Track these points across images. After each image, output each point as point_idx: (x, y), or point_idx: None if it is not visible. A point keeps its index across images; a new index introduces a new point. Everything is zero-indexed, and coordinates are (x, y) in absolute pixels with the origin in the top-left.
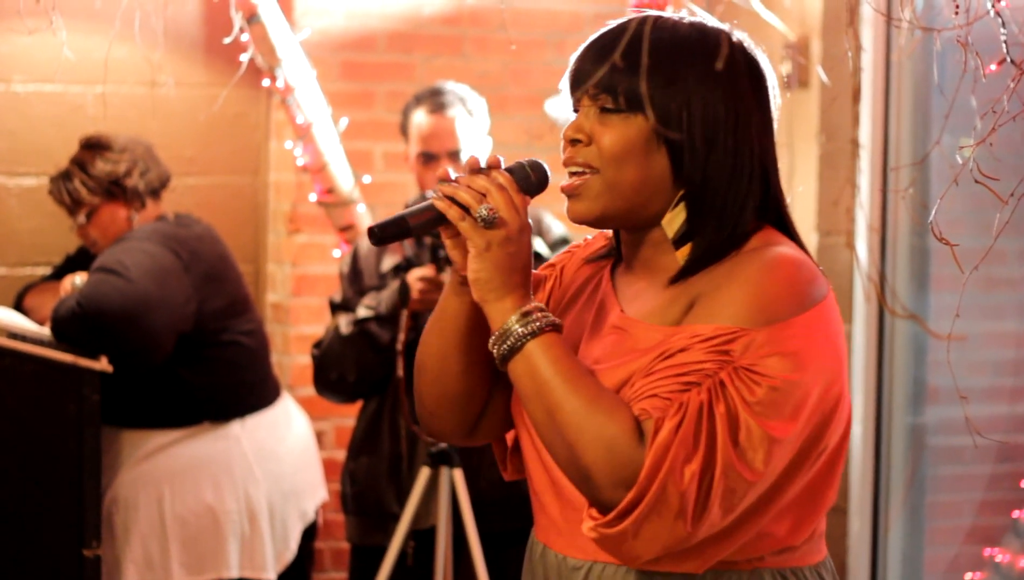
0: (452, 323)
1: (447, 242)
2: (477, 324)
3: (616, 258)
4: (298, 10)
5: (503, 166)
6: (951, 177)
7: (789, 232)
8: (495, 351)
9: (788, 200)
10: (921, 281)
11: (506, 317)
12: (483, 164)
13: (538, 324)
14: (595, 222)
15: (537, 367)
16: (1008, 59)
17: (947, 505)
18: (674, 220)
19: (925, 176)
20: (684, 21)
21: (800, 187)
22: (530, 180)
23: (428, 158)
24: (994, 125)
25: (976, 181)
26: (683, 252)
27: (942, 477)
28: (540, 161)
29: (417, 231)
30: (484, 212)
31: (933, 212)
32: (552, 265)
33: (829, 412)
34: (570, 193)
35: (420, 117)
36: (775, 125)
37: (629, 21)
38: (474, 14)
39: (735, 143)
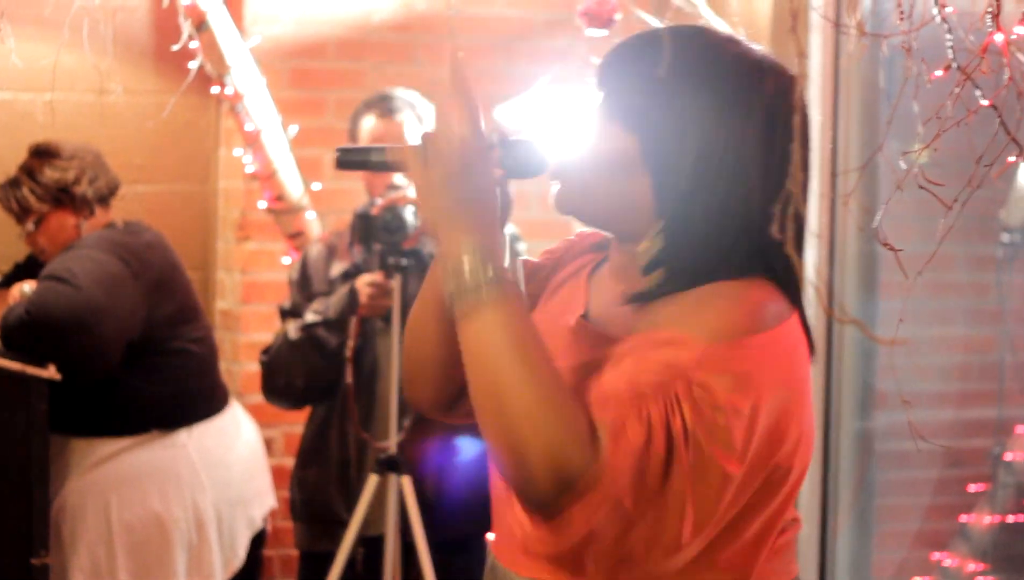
0: (434, 293)
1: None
2: None
3: (605, 254)
4: (248, 17)
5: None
6: (897, 183)
7: (789, 288)
8: (447, 289)
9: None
10: (869, 287)
11: (460, 251)
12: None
13: (495, 274)
14: (573, 215)
15: (490, 330)
16: (954, 65)
17: (895, 509)
18: (650, 249)
19: (873, 182)
20: (732, 43)
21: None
22: (518, 161)
23: None
24: (939, 131)
25: (921, 187)
26: (651, 278)
27: (890, 482)
28: (538, 145)
29: (380, 166)
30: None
31: (878, 217)
32: (552, 252)
33: (776, 442)
34: (554, 176)
35: (369, 122)
36: (806, 165)
37: (677, 28)
38: (424, 21)
39: (726, 189)
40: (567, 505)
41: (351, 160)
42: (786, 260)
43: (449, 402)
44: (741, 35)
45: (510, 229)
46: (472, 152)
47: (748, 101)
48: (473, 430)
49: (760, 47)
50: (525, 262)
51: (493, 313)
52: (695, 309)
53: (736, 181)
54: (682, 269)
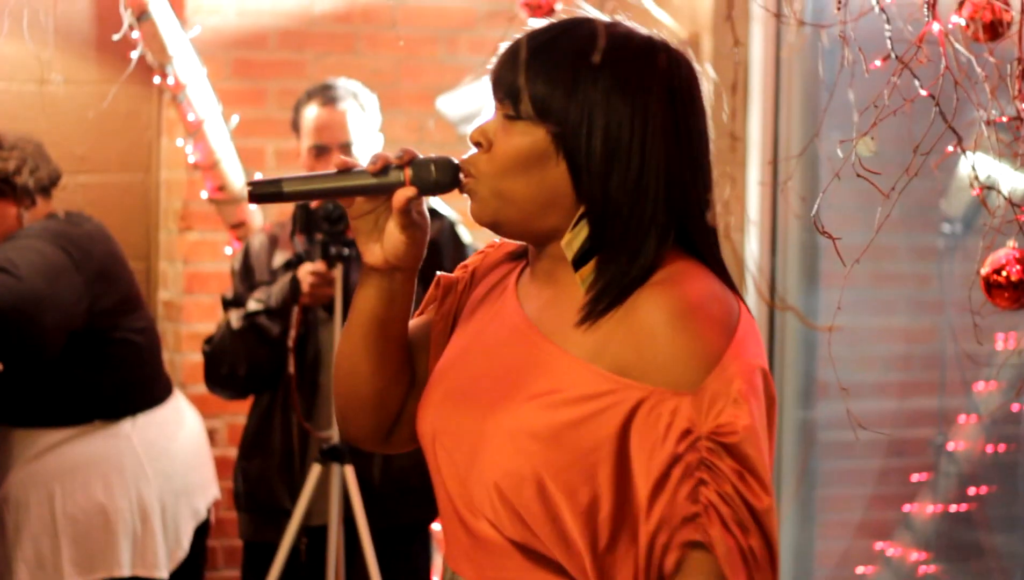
0: (359, 318)
1: (354, 223)
2: (383, 321)
3: (525, 261)
4: (189, 7)
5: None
6: (834, 173)
7: (707, 256)
8: None
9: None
10: (811, 277)
11: None
12: (392, 159)
13: None
14: (491, 226)
15: None
16: (892, 55)
17: (838, 499)
18: (574, 240)
19: (814, 172)
20: (623, 27)
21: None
22: (430, 178)
23: (320, 151)
24: (875, 119)
25: (858, 175)
26: (583, 272)
27: (833, 471)
28: (452, 161)
29: (296, 197)
30: None
31: (815, 206)
32: (465, 266)
33: (771, 417)
34: (465, 191)
35: (312, 111)
36: (707, 145)
37: (564, 22)
38: (365, 11)
39: (640, 163)
40: None
41: (263, 193)
42: (705, 229)
43: (386, 434)
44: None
45: (453, 215)
46: None
47: (645, 76)
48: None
49: (646, 29)
50: (441, 277)
51: None
52: (664, 355)
53: (648, 153)
54: (612, 252)
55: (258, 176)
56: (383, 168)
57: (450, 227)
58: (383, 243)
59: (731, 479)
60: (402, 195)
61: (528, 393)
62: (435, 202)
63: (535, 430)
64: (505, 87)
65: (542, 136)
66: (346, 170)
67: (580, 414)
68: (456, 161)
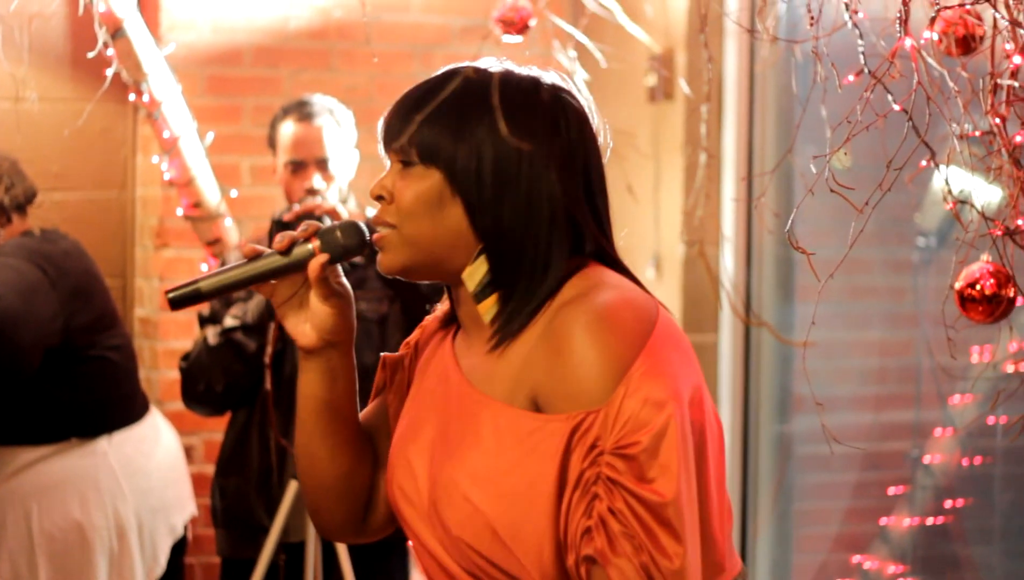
0: (306, 405)
1: (279, 311)
2: (330, 402)
3: (456, 323)
4: (164, 24)
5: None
6: (811, 186)
7: (609, 261)
8: None
9: (654, 225)
10: (786, 291)
11: None
12: (297, 235)
13: None
14: (402, 273)
15: None
16: (865, 70)
17: (815, 513)
18: (475, 273)
19: (788, 186)
20: (506, 70)
21: (668, 183)
22: (339, 243)
23: (296, 166)
24: (849, 134)
25: (832, 190)
26: (485, 305)
27: (810, 485)
28: (356, 223)
29: (215, 293)
30: None
31: (789, 221)
32: (407, 343)
33: (701, 424)
34: (376, 244)
35: (288, 127)
36: (597, 163)
37: (442, 74)
38: (340, 28)
39: (528, 189)
40: None
41: (183, 296)
42: (606, 240)
43: (359, 520)
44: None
45: None
46: None
47: (529, 110)
48: None
49: (527, 68)
50: (386, 357)
51: None
52: (574, 375)
53: (536, 176)
54: (513, 279)
55: (233, 193)
56: (290, 246)
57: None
58: (311, 321)
59: (625, 492)
60: (315, 264)
61: (466, 445)
62: None
63: (475, 479)
64: (396, 137)
65: (436, 178)
66: (256, 257)
67: (511, 457)
68: (359, 222)
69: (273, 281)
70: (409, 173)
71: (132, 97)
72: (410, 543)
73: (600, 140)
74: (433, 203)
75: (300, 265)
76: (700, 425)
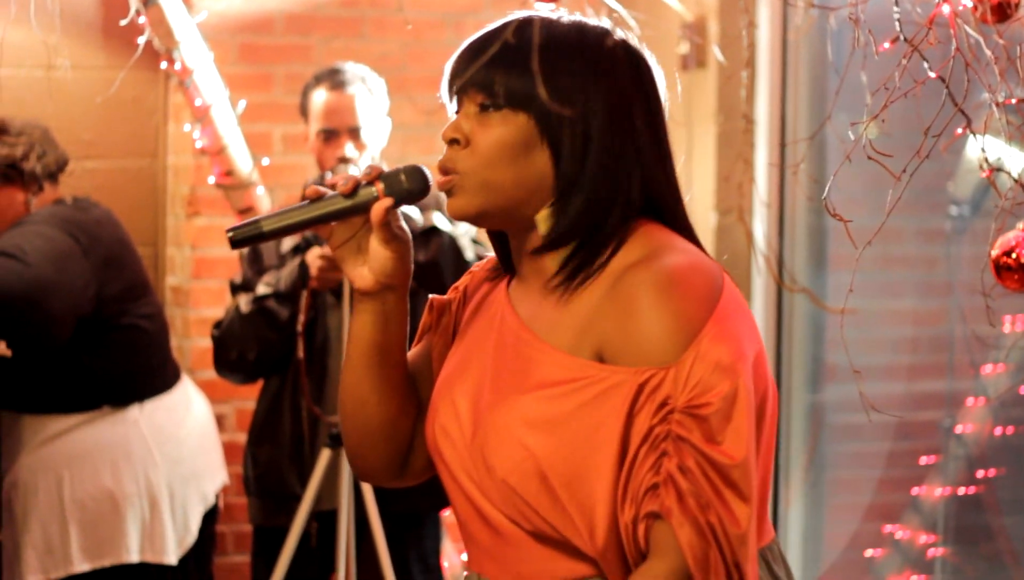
0: (358, 346)
1: (337, 253)
2: (383, 345)
3: (510, 271)
4: None
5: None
6: (845, 155)
7: (676, 224)
8: None
9: (686, 194)
10: (819, 260)
11: None
12: (361, 178)
13: None
14: (474, 219)
15: None
16: (901, 37)
17: (847, 482)
18: (548, 219)
19: (822, 154)
20: (563, 20)
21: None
22: (402, 187)
23: (329, 135)
24: (886, 102)
25: (869, 158)
26: (556, 254)
27: (842, 454)
28: (419, 167)
29: (277, 233)
30: None
31: (827, 189)
32: (456, 288)
33: (763, 391)
34: (445, 190)
35: (320, 95)
36: (665, 119)
37: (507, 22)
38: None
39: (611, 139)
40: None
41: (245, 236)
42: (677, 201)
43: (400, 464)
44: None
45: (459, 229)
46: None
47: (610, 61)
48: None
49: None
50: (434, 300)
51: None
52: (645, 332)
53: (619, 133)
54: (581, 228)
55: (265, 161)
56: (354, 188)
57: (451, 243)
58: (370, 264)
59: (696, 452)
60: (380, 207)
61: (521, 389)
62: (436, 219)
63: (531, 424)
64: (476, 81)
65: (524, 123)
66: (318, 198)
67: (570, 405)
68: (423, 167)
69: (333, 223)
70: (489, 117)
71: (164, 65)
72: (445, 512)
73: (664, 97)
74: (519, 149)
75: (363, 208)
76: (762, 391)
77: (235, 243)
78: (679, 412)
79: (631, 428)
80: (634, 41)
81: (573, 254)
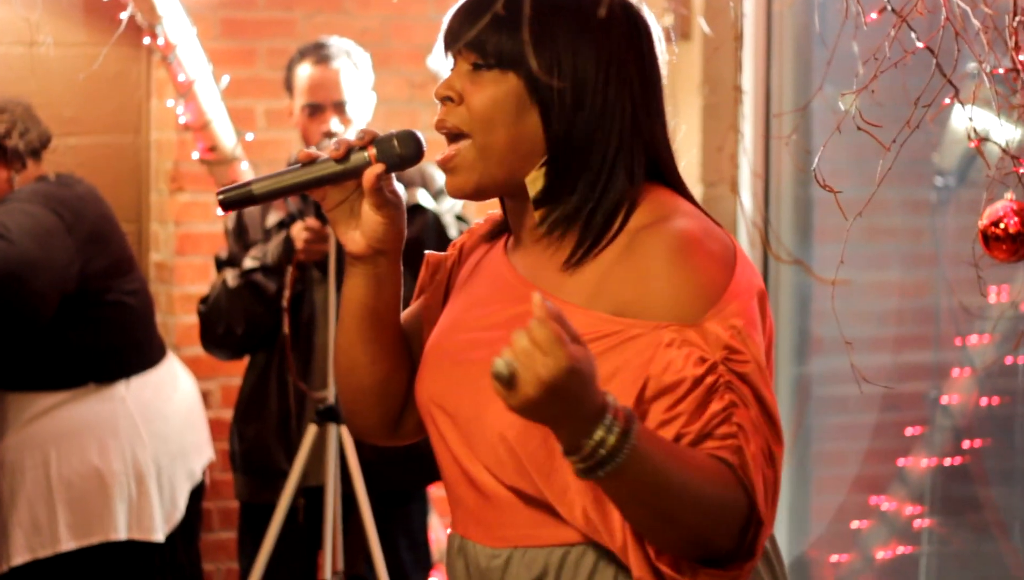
0: (350, 309)
1: (330, 216)
2: (375, 309)
3: (508, 233)
4: None
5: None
6: (833, 126)
7: (678, 188)
8: (579, 469)
9: (678, 158)
10: (805, 231)
11: (586, 435)
12: (354, 142)
13: (622, 424)
14: (474, 194)
15: (645, 472)
16: (889, 7)
17: (833, 454)
18: (537, 180)
19: (807, 125)
20: None
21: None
22: (395, 152)
23: (314, 109)
24: (875, 72)
25: (859, 128)
26: (543, 212)
27: (828, 426)
28: (413, 132)
29: (268, 196)
30: (501, 366)
31: (816, 159)
32: (454, 245)
33: (769, 340)
34: (445, 167)
35: (305, 69)
36: (662, 82)
37: None
38: None
39: (604, 100)
40: (754, 538)
41: (235, 198)
42: (673, 163)
43: (394, 424)
44: None
45: (443, 206)
46: (558, 388)
47: (604, 19)
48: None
49: None
50: (430, 256)
51: (640, 462)
52: (668, 290)
53: (612, 90)
54: (574, 189)
55: (249, 136)
56: (346, 153)
57: (434, 221)
58: (362, 228)
59: (754, 408)
60: (371, 173)
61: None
62: (420, 196)
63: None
64: (468, 39)
65: (514, 82)
66: (311, 162)
67: None
68: (417, 132)
69: (326, 186)
70: (481, 76)
71: (147, 40)
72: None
73: (662, 58)
74: (510, 109)
75: (355, 172)
76: (768, 347)
77: (225, 205)
78: (722, 364)
79: (649, 381)
80: (639, 4)
81: (557, 214)
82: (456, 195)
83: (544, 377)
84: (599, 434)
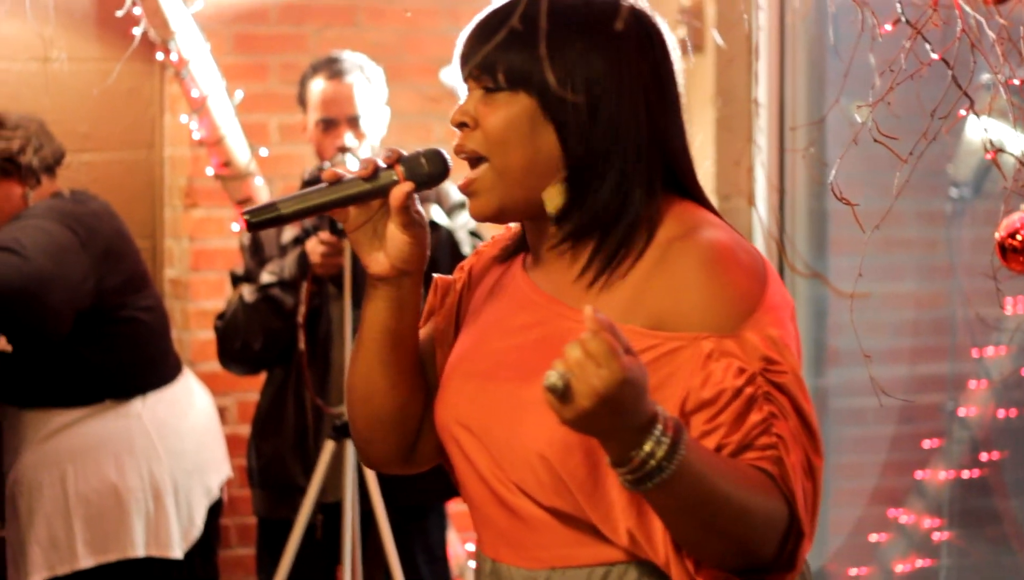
0: (371, 332)
1: (353, 237)
2: (396, 332)
3: (524, 251)
4: None
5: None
6: (848, 138)
7: (700, 201)
8: (628, 480)
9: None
10: (820, 244)
11: (636, 446)
12: (381, 161)
13: (671, 435)
14: (496, 217)
15: (692, 482)
16: (903, 19)
17: (851, 466)
18: (555, 196)
19: (822, 138)
20: None
21: (700, 135)
22: (423, 171)
23: (328, 124)
24: (891, 84)
25: (875, 140)
26: (588, 241)
27: (845, 438)
28: (439, 150)
29: (295, 216)
30: (555, 379)
31: (832, 172)
32: (461, 268)
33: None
34: (466, 191)
35: (318, 84)
36: (679, 92)
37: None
38: None
39: (619, 113)
40: (794, 548)
41: (262, 219)
42: (692, 174)
43: (409, 450)
44: None
45: (457, 222)
46: (612, 400)
47: (611, 24)
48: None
49: None
50: (439, 279)
51: (687, 473)
52: (704, 302)
53: (627, 102)
54: (591, 203)
55: (263, 152)
56: (374, 172)
57: (448, 238)
58: (387, 249)
59: (793, 419)
60: (400, 191)
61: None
62: (433, 213)
63: None
64: (479, 62)
65: (526, 102)
66: (337, 181)
67: None
68: (444, 151)
69: (350, 206)
70: (494, 99)
71: (160, 56)
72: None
73: (678, 67)
74: (524, 129)
75: (383, 191)
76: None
77: (252, 226)
78: (761, 376)
79: (690, 393)
80: (646, 8)
81: (604, 242)
82: (480, 218)
83: (599, 388)
84: (649, 446)
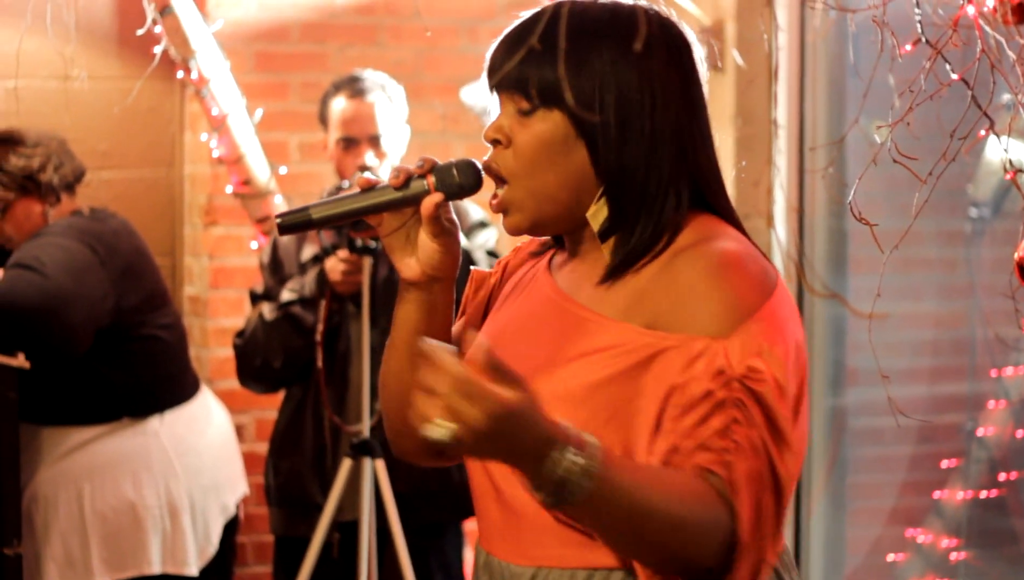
0: (403, 334)
1: (385, 241)
2: (428, 331)
3: (556, 249)
4: (211, 1)
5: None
6: (868, 158)
7: (726, 215)
8: (544, 502)
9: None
10: (839, 263)
11: (551, 468)
12: (412, 167)
13: (584, 455)
14: (531, 230)
15: (614, 499)
16: (923, 39)
17: (869, 486)
18: (598, 213)
19: (841, 157)
20: (598, 2)
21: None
22: (454, 182)
23: (349, 143)
24: (911, 104)
25: (895, 161)
26: (609, 245)
27: (863, 458)
28: (472, 161)
29: (326, 221)
30: (441, 433)
31: (852, 192)
32: (499, 263)
33: (799, 393)
34: (497, 210)
35: (340, 103)
36: (705, 99)
37: (543, 9)
38: (387, 3)
39: (652, 126)
40: (739, 559)
41: (293, 222)
42: (720, 188)
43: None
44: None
45: (477, 214)
46: (499, 428)
47: (642, 38)
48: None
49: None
50: (476, 272)
51: (608, 489)
52: (701, 305)
53: (659, 117)
54: (633, 219)
55: (283, 170)
56: (406, 180)
57: (465, 258)
58: (418, 256)
59: (761, 429)
60: (430, 202)
61: (566, 357)
62: None
63: (575, 390)
64: (510, 80)
65: (559, 119)
66: (369, 188)
67: (616, 368)
68: (476, 162)
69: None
70: (528, 117)
71: (180, 74)
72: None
73: (704, 75)
74: (557, 147)
75: (414, 200)
76: (799, 382)
77: (283, 229)
78: (738, 381)
79: (673, 392)
80: (672, 17)
81: (624, 245)
82: (514, 233)
83: (477, 427)
84: (559, 469)
